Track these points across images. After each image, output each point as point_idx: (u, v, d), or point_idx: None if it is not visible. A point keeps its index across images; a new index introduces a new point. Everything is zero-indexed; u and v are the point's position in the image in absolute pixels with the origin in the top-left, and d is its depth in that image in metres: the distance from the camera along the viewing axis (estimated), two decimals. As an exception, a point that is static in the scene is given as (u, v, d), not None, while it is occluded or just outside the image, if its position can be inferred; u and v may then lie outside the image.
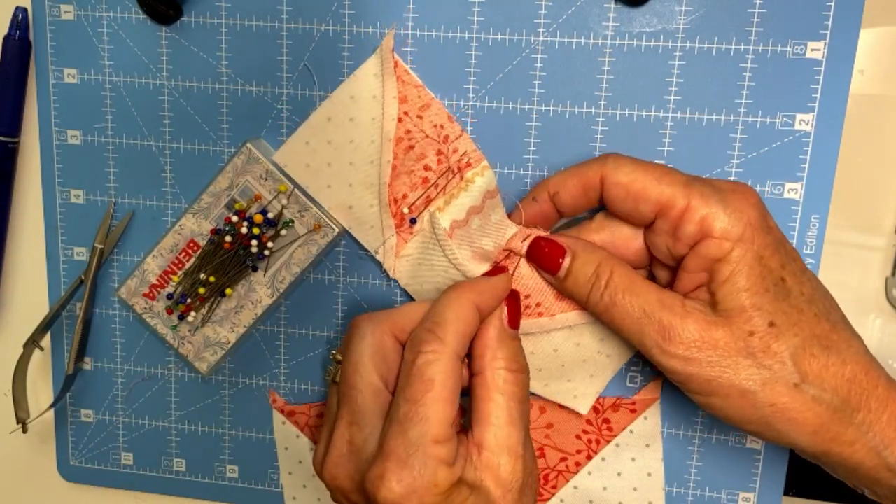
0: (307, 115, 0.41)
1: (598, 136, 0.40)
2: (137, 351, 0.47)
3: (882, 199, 0.40)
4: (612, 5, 0.39)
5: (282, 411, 0.46)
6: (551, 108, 0.40)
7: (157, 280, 0.43)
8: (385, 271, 0.42)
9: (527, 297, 0.38)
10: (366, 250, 0.42)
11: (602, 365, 0.40)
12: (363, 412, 0.33)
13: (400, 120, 0.40)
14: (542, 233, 0.38)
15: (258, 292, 0.42)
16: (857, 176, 0.40)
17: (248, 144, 0.41)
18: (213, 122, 0.43)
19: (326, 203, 0.41)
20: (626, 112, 0.40)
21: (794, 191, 0.39)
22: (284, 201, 0.41)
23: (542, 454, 0.43)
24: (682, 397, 0.38)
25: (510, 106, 0.40)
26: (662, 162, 0.40)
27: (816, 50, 0.38)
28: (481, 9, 0.40)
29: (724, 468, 0.43)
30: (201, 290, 0.42)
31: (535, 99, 0.40)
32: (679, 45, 0.39)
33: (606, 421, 0.42)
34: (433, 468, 0.30)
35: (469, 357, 0.35)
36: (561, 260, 0.36)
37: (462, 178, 0.40)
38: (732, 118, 0.39)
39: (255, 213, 0.41)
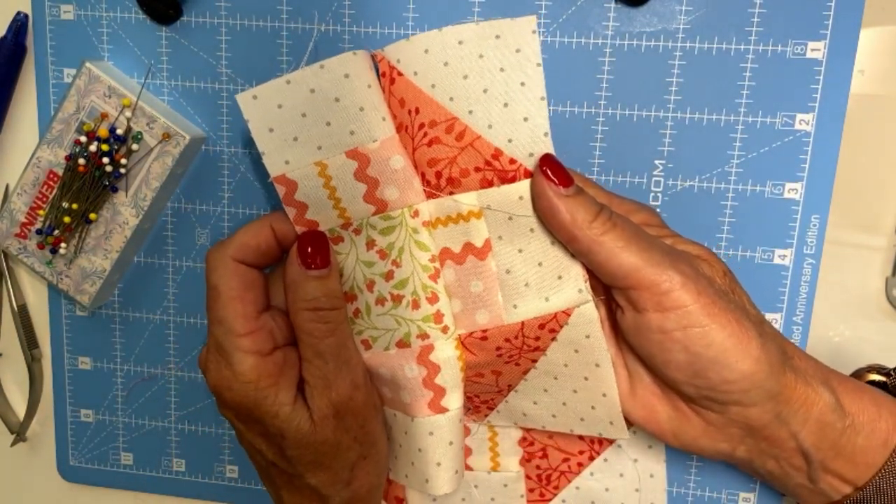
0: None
1: (598, 136, 0.40)
2: (137, 351, 0.47)
3: (882, 198, 0.40)
4: (613, 5, 0.39)
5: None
6: (551, 108, 0.40)
7: (26, 218, 0.43)
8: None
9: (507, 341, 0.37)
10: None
11: (602, 376, 0.38)
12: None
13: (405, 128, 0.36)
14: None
15: (123, 214, 0.42)
16: (857, 176, 0.40)
17: (88, 64, 0.40)
18: (213, 122, 0.43)
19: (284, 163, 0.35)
20: (626, 112, 0.40)
21: (794, 191, 0.39)
22: (128, 114, 0.40)
23: (545, 454, 0.43)
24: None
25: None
26: (662, 162, 0.40)
27: (816, 50, 0.38)
28: (481, 9, 0.40)
29: (724, 468, 0.43)
30: (66, 220, 0.42)
31: (536, 99, 0.40)
32: (679, 44, 0.39)
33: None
34: (240, 358, 0.35)
35: None
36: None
37: (503, 182, 0.35)
38: (732, 118, 0.39)
39: (101, 129, 0.41)
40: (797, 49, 0.38)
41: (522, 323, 0.36)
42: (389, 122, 0.35)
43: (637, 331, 0.35)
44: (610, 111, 0.40)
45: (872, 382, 0.39)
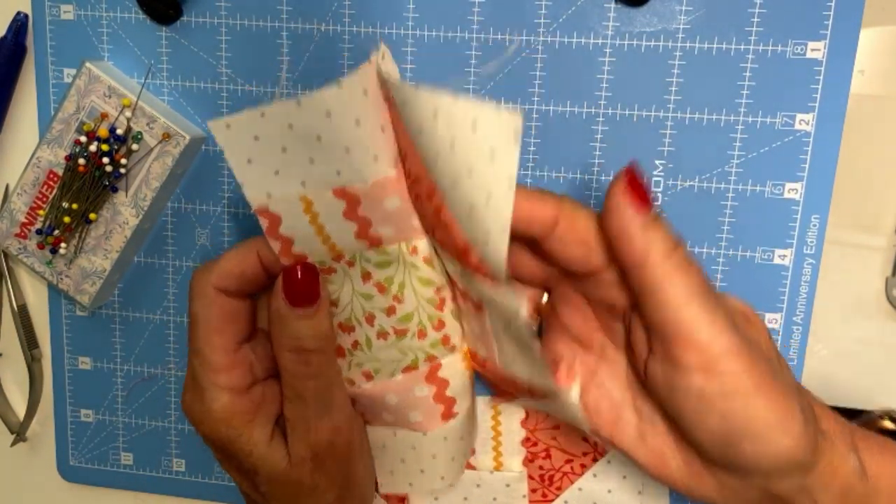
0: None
1: (598, 136, 0.40)
2: (137, 351, 0.47)
3: (882, 198, 0.40)
4: (613, 5, 0.39)
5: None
6: (551, 108, 0.40)
7: (26, 218, 0.43)
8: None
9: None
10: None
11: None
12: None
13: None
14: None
15: (123, 214, 0.42)
16: (857, 176, 0.40)
17: (88, 64, 0.40)
18: (213, 123, 0.43)
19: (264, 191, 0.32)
20: (626, 112, 0.40)
21: (794, 191, 0.39)
22: (128, 114, 0.40)
23: (548, 455, 0.43)
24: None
25: (510, 106, 0.40)
26: (662, 162, 0.40)
27: (816, 50, 0.38)
28: (481, 9, 0.40)
29: (724, 468, 0.43)
30: (66, 220, 0.42)
31: (535, 99, 0.40)
32: (679, 45, 0.39)
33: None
34: (214, 395, 0.34)
35: None
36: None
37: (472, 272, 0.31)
38: (732, 118, 0.39)
39: (101, 129, 0.41)
40: (797, 49, 0.38)
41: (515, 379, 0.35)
42: (383, 160, 0.31)
43: (670, 387, 0.31)
44: (610, 111, 0.40)
45: (884, 430, 0.38)
